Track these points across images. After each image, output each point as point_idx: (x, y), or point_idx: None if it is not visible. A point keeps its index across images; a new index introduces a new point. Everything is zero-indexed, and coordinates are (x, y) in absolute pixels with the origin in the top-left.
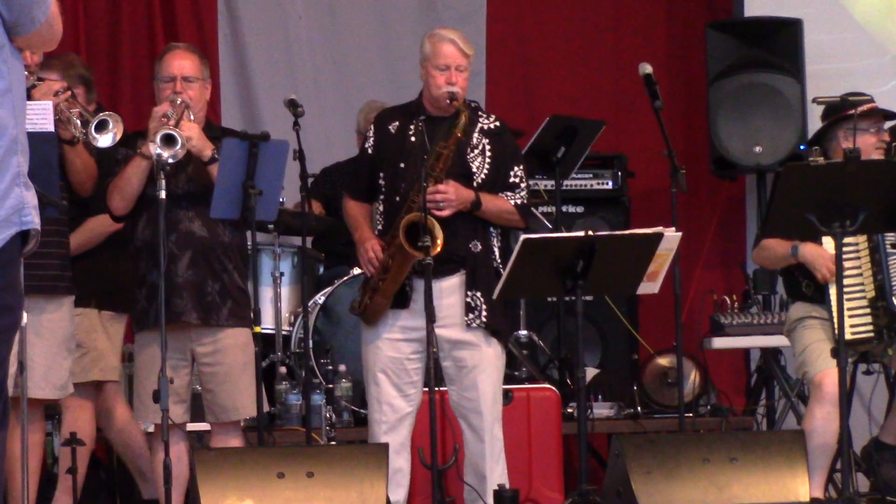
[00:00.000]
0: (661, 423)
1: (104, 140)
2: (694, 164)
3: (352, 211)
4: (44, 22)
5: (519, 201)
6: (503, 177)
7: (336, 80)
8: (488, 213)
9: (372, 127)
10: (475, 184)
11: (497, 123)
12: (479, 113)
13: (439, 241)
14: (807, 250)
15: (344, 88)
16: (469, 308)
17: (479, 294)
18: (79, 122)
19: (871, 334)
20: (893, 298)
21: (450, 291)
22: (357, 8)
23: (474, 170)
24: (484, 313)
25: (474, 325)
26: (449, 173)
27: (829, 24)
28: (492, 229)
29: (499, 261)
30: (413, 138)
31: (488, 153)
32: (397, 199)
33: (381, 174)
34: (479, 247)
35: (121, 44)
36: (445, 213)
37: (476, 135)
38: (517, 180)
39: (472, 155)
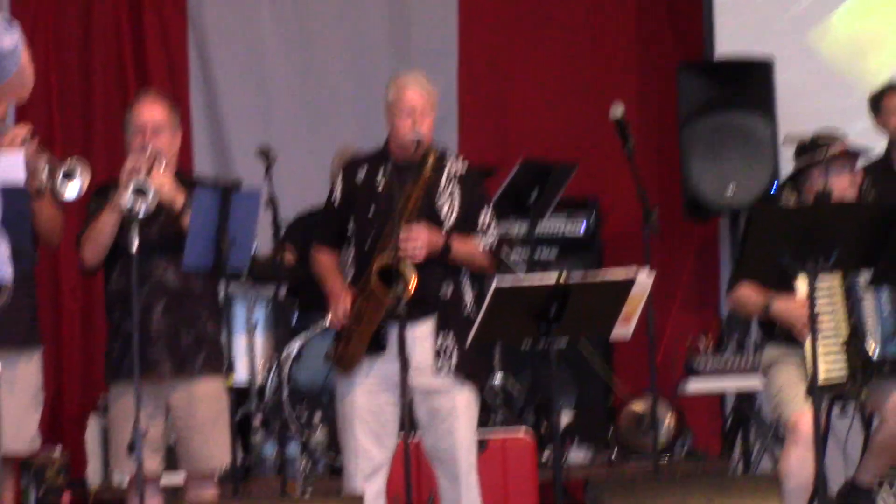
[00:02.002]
0: (636, 468)
1: (71, 188)
2: (667, 205)
3: (321, 260)
4: (14, 72)
5: (488, 245)
6: (472, 220)
7: (310, 125)
8: (458, 256)
9: (340, 175)
10: (444, 228)
11: (465, 167)
12: (447, 157)
13: (412, 285)
14: (780, 307)
15: (318, 134)
16: (441, 354)
17: (450, 340)
18: (46, 170)
19: (845, 376)
20: (866, 340)
21: (422, 338)
22: (330, 52)
23: (443, 214)
24: (454, 359)
25: (446, 371)
26: (418, 217)
27: (799, 64)
28: (463, 274)
29: (470, 305)
30: (381, 185)
31: (457, 197)
32: (366, 246)
33: (350, 221)
34: (451, 292)
35: (93, 92)
36: (418, 258)
37: (444, 178)
38: (486, 224)
39: (440, 199)
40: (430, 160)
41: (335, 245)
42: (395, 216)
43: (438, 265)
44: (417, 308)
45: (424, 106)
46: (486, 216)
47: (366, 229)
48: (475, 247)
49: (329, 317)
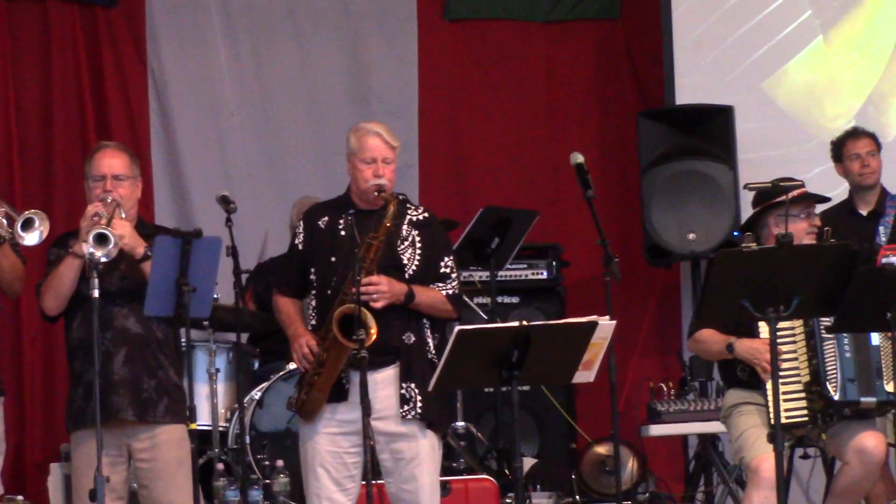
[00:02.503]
0: None
1: (30, 238)
2: (628, 252)
3: (283, 308)
4: None
5: (451, 291)
6: (434, 268)
7: (269, 175)
8: (421, 304)
9: (301, 223)
10: (406, 276)
11: (426, 215)
12: (408, 205)
13: (373, 332)
14: (743, 347)
15: (277, 183)
16: (404, 400)
17: (413, 386)
18: (4, 220)
19: (806, 419)
20: (828, 384)
21: (385, 384)
22: (289, 103)
23: (405, 262)
24: (419, 405)
25: (409, 416)
26: (380, 266)
27: (758, 113)
28: (425, 321)
29: (433, 352)
30: (343, 232)
31: (418, 245)
32: (328, 293)
33: (312, 269)
34: (413, 338)
35: (53, 143)
36: (379, 304)
37: (405, 227)
38: (448, 270)
39: (402, 247)
40: (391, 209)
41: (297, 292)
42: (356, 265)
43: (401, 312)
44: (379, 355)
45: (387, 154)
46: (448, 263)
47: (327, 276)
48: (437, 293)
49: (293, 361)
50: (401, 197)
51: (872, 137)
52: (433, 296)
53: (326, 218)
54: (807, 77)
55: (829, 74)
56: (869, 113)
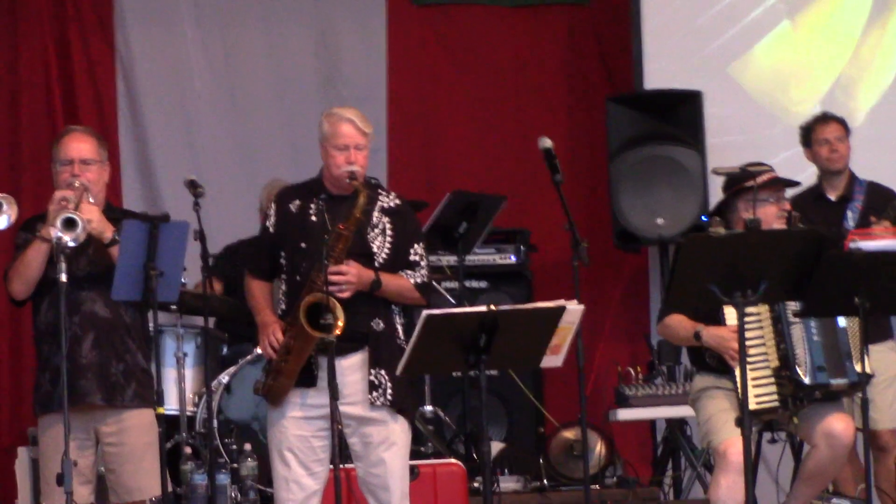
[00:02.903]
0: (567, 496)
1: None
2: (597, 236)
3: (254, 291)
4: None
5: (419, 280)
6: (403, 255)
7: (237, 159)
8: (388, 292)
9: (273, 205)
10: (376, 263)
11: (398, 202)
12: (380, 191)
13: (340, 323)
14: (709, 335)
15: (245, 167)
16: (373, 386)
17: (382, 372)
18: None
19: (776, 403)
20: (798, 368)
21: (353, 369)
22: (257, 87)
23: (375, 249)
24: (389, 392)
25: (378, 402)
26: (349, 253)
27: (725, 98)
28: (394, 307)
29: (402, 337)
30: (314, 217)
31: (389, 232)
32: (298, 278)
33: (283, 253)
34: (382, 325)
35: (21, 126)
36: (346, 294)
37: (376, 213)
38: (417, 258)
39: (372, 234)
40: (361, 200)
41: (267, 276)
42: (325, 253)
43: (369, 299)
44: (348, 342)
45: (359, 140)
46: (418, 251)
47: (297, 261)
48: (405, 281)
49: (260, 348)
50: (373, 181)
51: (841, 122)
52: (401, 283)
53: (298, 202)
54: (773, 61)
55: (795, 59)
56: (836, 97)
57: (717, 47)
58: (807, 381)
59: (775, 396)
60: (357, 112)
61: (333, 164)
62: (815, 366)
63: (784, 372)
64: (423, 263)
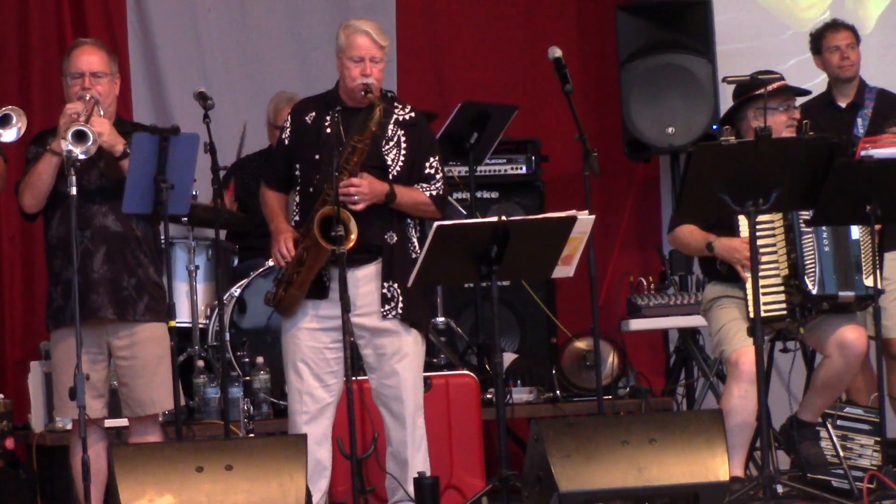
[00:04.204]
0: (580, 407)
1: (8, 135)
2: (607, 146)
3: (269, 201)
4: None
5: (434, 192)
6: (419, 168)
7: (247, 72)
8: (403, 205)
9: (289, 117)
10: (390, 176)
11: (413, 114)
12: (395, 104)
13: (353, 236)
14: (721, 246)
15: (255, 80)
16: (385, 299)
17: (395, 285)
18: None
19: (784, 312)
20: (806, 278)
21: (366, 280)
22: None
23: (389, 162)
24: (400, 305)
25: (390, 316)
26: (363, 166)
27: (733, 5)
28: (409, 220)
29: (417, 250)
30: (328, 130)
31: (403, 145)
32: (311, 190)
33: (297, 165)
34: (395, 238)
35: (30, 41)
36: (359, 206)
37: (391, 126)
38: (433, 171)
39: (387, 147)
40: (377, 114)
41: (283, 186)
42: (336, 164)
43: (383, 212)
44: (361, 254)
45: (375, 53)
46: (433, 163)
47: (310, 173)
48: (420, 194)
49: (271, 257)
50: (389, 95)
51: (852, 30)
52: (416, 196)
53: (313, 113)
54: None
55: None
56: (846, 5)
57: None
58: (814, 291)
59: (784, 305)
60: (374, 24)
61: (349, 77)
62: (823, 276)
63: (793, 281)
64: (438, 176)
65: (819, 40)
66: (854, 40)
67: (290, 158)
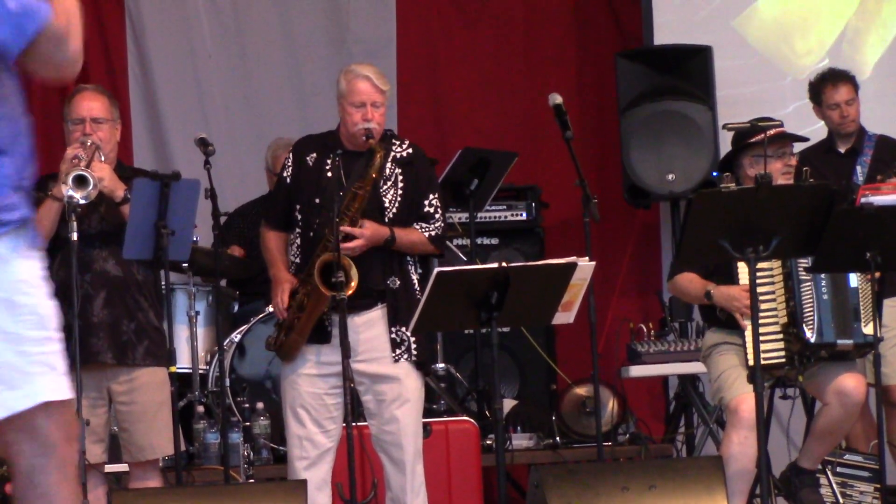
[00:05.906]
0: (580, 453)
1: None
2: (607, 193)
3: (269, 244)
4: (40, 34)
5: (434, 233)
6: (417, 206)
7: (247, 117)
8: (402, 247)
9: (290, 155)
10: (387, 218)
11: (409, 151)
12: (393, 140)
13: (353, 283)
14: (720, 294)
15: (255, 126)
16: (395, 344)
17: (403, 329)
18: None
19: (783, 360)
20: (805, 326)
21: (368, 326)
22: (267, 45)
23: (386, 204)
24: (413, 349)
25: (403, 359)
26: (362, 210)
27: (732, 51)
28: (409, 259)
29: (419, 291)
30: (329, 174)
31: (400, 183)
32: (311, 234)
33: (297, 207)
34: (398, 282)
35: (31, 85)
36: (356, 252)
37: (389, 165)
38: (431, 210)
39: (384, 188)
40: (378, 160)
41: (284, 226)
42: (337, 211)
43: (384, 256)
44: (362, 299)
45: (376, 98)
46: (432, 201)
47: (310, 217)
48: (419, 235)
49: (271, 303)
50: (388, 133)
51: (851, 82)
52: (414, 238)
53: (315, 154)
54: (776, 14)
55: (799, 11)
56: (843, 51)
57: (722, 1)
58: (812, 339)
59: (783, 353)
60: (374, 69)
61: (350, 122)
62: (821, 324)
63: (792, 329)
64: (437, 215)
65: (819, 94)
66: (853, 94)
67: (291, 197)
